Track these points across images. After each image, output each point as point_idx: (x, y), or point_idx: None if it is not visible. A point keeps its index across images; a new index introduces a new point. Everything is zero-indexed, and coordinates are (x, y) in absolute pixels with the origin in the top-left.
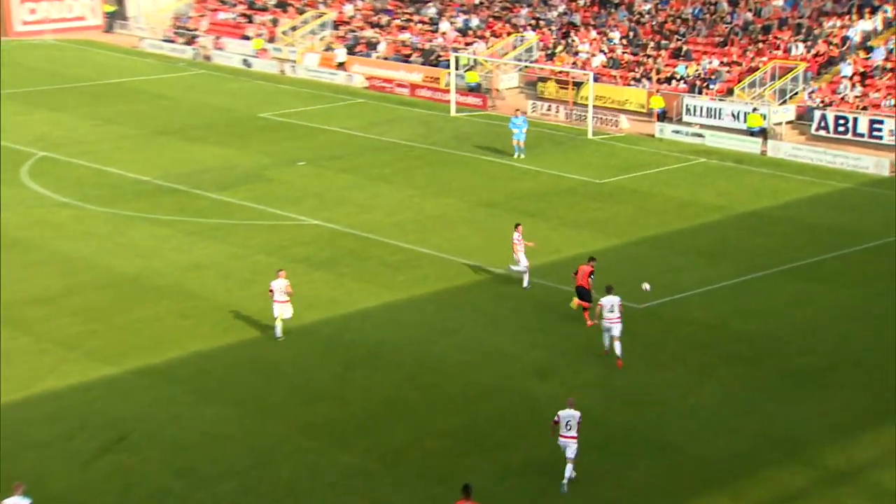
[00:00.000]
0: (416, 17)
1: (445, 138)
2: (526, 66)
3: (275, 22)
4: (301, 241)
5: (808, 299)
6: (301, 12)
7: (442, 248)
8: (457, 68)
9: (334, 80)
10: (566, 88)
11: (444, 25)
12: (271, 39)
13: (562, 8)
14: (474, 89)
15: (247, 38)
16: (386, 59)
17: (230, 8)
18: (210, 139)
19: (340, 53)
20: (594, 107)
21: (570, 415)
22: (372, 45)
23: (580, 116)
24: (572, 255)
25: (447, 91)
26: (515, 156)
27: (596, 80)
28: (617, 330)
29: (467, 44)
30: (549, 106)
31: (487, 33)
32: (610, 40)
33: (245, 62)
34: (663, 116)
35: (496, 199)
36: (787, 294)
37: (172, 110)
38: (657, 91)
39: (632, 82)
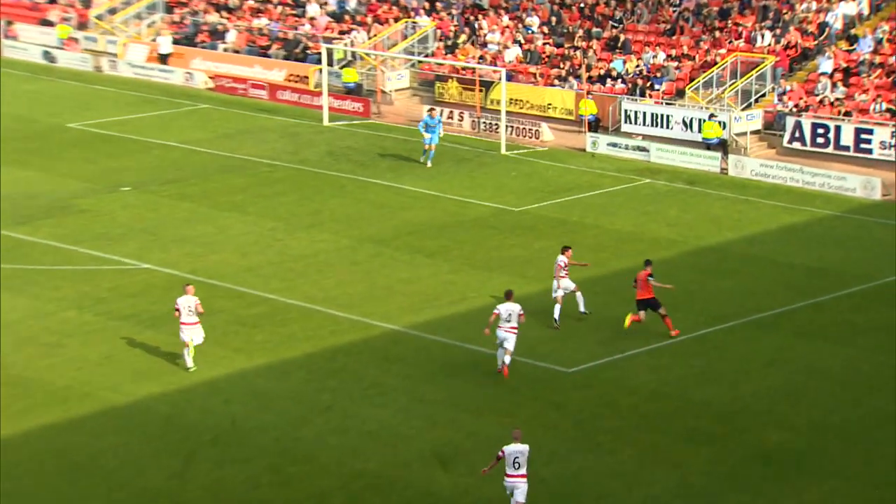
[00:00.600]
0: None
1: (317, 155)
2: (420, 62)
3: (86, 3)
4: (127, 292)
5: (783, 358)
6: None
7: (313, 299)
8: (330, 64)
9: (169, 79)
10: (472, 90)
11: (312, 9)
12: (82, 25)
13: None
14: (353, 91)
15: (49, 23)
16: (237, 52)
17: None
18: (0, 158)
19: (164, 42)
20: (508, 113)
21: (517, 450)
22: (218, 35)
23: (491, 126)
24: (482, 306)
25: (318, 93)
26: (422, 160)
27: (509, 78)
28: (511, 342)
29: (343, 32)
30: (451, 112)
31: (369, 19)
32: (527, 28)
33: (47, 55)
34: (596, 125)
35: (383, 233)
36: (757, 352)
37: None
38: (588, 93)
39: (556, 82)
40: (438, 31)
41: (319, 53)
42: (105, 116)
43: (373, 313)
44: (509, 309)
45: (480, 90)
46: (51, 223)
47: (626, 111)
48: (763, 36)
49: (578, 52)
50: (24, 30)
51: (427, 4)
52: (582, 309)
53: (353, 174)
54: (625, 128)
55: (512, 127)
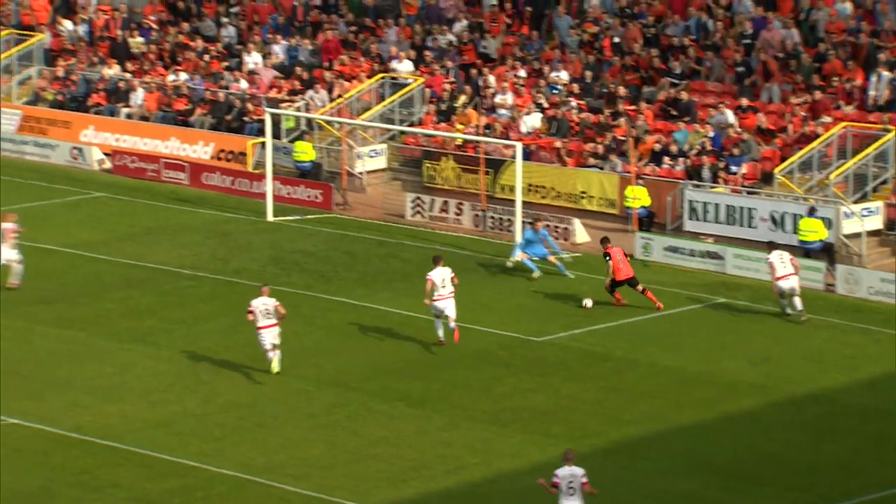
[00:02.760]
0: (197, 41)
1: (258, 262)
2: (402, 132)
3: None
4: None
5: None
6: None
7: (251, 467)
8: (276, 136)
9: (49, 157)
10: (474, 172)
11: (251, 59)
12: None
13: (464, 24)
14: (309, 173)
15: None
16: (146, 118)
17: None
18: None
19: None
20: (526, 205)
21: (570, 473)
22: (120, 95)
23: (500, 222)
24: (488, 475)
25: (259, 177)
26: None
27: (527, 156)
28: (451, 309)
29: (294, 92)
30: (445, 204)
31: (328, 74)
32: (551, 87)
33: None
34: (649, 222)
35: (350, 373)
36: None
37: None
38: (637, 177)
39: (591, 161)
40: (428, 91)
41: (261, 121)
42: None
43: (336, 487)
44: (442, 274)
45: (487, 172)
46: None
47: (690, 203)
48: (879, 87)
49: (623, 120)
50: None
51: (412, 53)
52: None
53: (308, 290)
54: (689, 225)
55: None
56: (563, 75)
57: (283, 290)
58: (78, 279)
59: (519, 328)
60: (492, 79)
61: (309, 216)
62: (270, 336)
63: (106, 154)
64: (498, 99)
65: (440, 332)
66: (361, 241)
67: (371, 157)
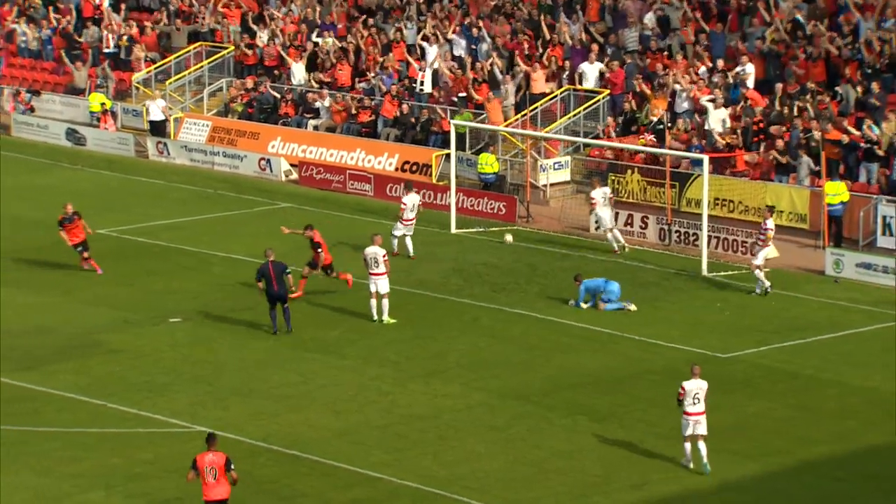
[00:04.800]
0: (379, 40)
1: (440, 274)
2: (587, 145)
3: (127, 63)
4: (172, 466)
5: None
6: (168, 51)
7: (432, 479)
8: (461, 147)
9: (238, 168)
10: (659, 185)
11: (431, 52)
12: (122, 94)
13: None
14: (493, 185)
15: (77, 91)
16: (332, 130)
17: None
18: (4, 279)
19: (154, 109)
20: (713, 219)
21: (697, 386)
22: (307, 106)
23: (686, 237)
24: (673, 493)
25: (443, 189)
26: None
27: (717, 168)
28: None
29: (467, 101)
30: (630, 217)
31: (512, 72)
32: (734, 85)
33: (73, 135)
34: (839, 237)
35: (532, 386)
36: None
37: None
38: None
39: (777, 169)
40: (609, 99)
41: (446, 133)
42: (148, 219)
43: (516, 501)
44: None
45: (672, 185)
46: (69, 368)
47: (884, 218)
48: None
49: (808, 111)
50: (45, 100)
51: (596, 48)
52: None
53: (490, 302)
54: (882, 242)
55: (717, 238)
56: (749, 68)
57: (465, 301)
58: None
59: (704, 344)
60: (677, 77)
61: (492, 228)
62: (376, 284)
63: (293, 165)
64: (682, 98)
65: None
66: (544, 253)
67: (555, 169)
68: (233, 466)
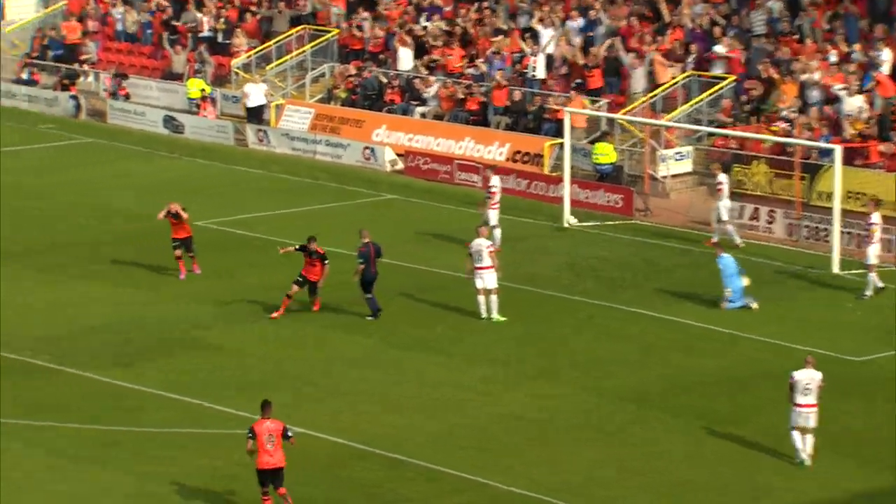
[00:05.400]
0: (490, 23)
1: (552, 269)
2: (711, 134)
3: (226, 48)
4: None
5: None
6: (269, 36)
7: (542, 485)
8: (575, 137)
9: (341, 157)
10: (788, 177)
11: (545, 35)
12: (221, 80)
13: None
14: (609, 177)
15: (175, 76)
16: (439, 117)
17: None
18: (97, 271)
19: (254, 93)
20: (846, 213)
21: (809, 376)
22: (413, 93)
23: (816, 231)
24: None
25: (556, 180)
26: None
27: (850, 159)
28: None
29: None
30: (756, 211)
31: (630, 56)
32: (866, 72)
33: (170, 123)
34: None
35: (648, 388)
36: None
37: (26, 216)
38: None
39: None
40: (735, 85)
41: (560, 122)
42: (247, 210)
43: None
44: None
45: (802, 178)
46: (164, 365)
47: None
48: None
49: None
50: (142, 86)
51: (719, 31)
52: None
53: (604, 300)
54: None
55: (849, 234)
56: (886, 54)
57: (578, 298)
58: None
59: (837, 346)
60: (807, 63)
61: (608, 222)
62: (482, 279)
63: (398, 154)
64: (812, 85)
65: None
66: (663, 248)
67: (676, 160)
68: (290, 434)
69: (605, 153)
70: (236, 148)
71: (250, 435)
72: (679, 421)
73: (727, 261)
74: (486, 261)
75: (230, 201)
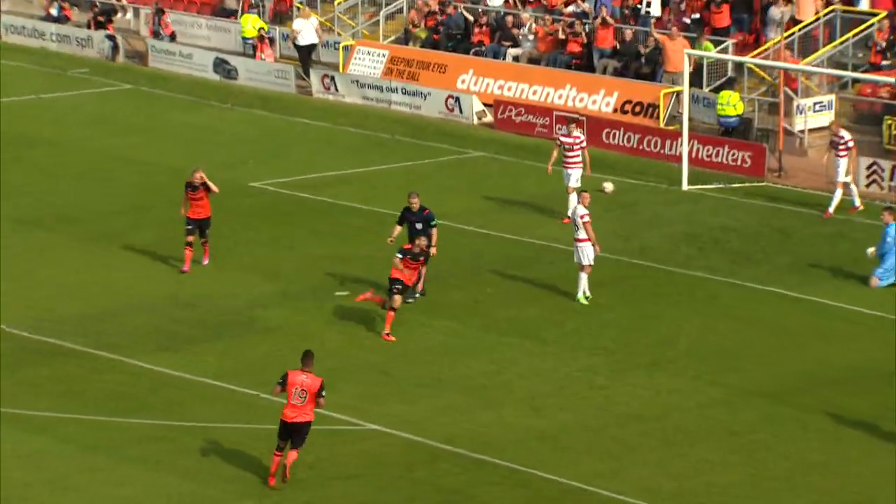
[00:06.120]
0: None
1: (667, 240)
2: (857, 81)
3: None
4: (342, 472)
5: None
6: None
7: (661, 494)
8: (697, 83)
9: (420, 108)
10: None
11: None
12: (281, 17)
13: None
14: (734, 131)
15: (228, 13)
16: (536, 62)
17: None
18: (138, 241)
19: (305, 29)
20: None
21: None
22: (505, 33)
23: None
24: None
25: (673, 135)
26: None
27: None
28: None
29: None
30: None
31: None
32: None
33: (222, 67)
34: None
35: (783, 381)
36: None
37: (63, 176)
38: None
39: None
40: (888, 23)
41: (677, 66)
42: (311, 170)
43: None
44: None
45: None
46: (215, 350)
47: None
48: None
49: None
50: (188, 24)
51: None
52: None
53: (731, 276)
54: None
55: None
56: None
57: (698, 275)
58: (450, 257)
59: None
60: None
61: (734, 185)
62: (579, 253)
63: (487, 105)
64: None
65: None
66: (799, 216)
67: (816, 111)
68: (324, 394)
69: (732, 103)
70: (299, 97)
71: (281, 382)
72: (818, 420)
73: (894, 230)
74: (582, 232)
75: (291, 159)
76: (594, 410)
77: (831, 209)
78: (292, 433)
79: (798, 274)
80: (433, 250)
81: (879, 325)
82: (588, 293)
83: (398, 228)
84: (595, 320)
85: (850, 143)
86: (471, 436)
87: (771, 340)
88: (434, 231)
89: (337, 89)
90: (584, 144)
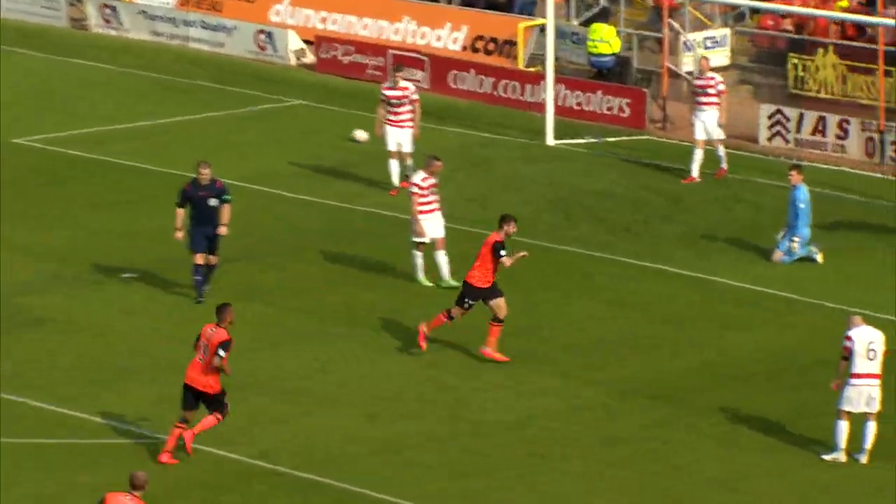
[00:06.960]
0: None
1: (531, 208)
2: (756, 11)
3: None
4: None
5: None
6: None
7: None
8: (564, 14)
9: (223, 44)
10: (868, 73)
11: None
12: None
13: None
14: (609, 73)
15: None
16: None
17: None
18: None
19: None
20: None
21: (871, 336)
22: None
23: None
24: None
25: (535, 78)
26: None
27: None
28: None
29: None
30: (819, 120)
31: None
32: None
33: None
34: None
35: (666, 378)
36: None
37: None
38: None
39: None
40: None
41: None
42: (89, 123)
43: None
44: None
45: (887, 73)
46: None
47: None
48: None
49: None
50: None
51: None
52: None
53: (605, 250)
54: None
55: None
56: None
57: (567, 248)
58: (263, 228)
59: None
60: None
61: (610, 138)
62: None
63: (307, 42)
64: None
65: None
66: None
67: (707, 48)
68: (222, 353)
69: (606, 39)
70: (73, 32)
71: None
72: (714, 424)
73: (804, 194)
74: (433, 203)
75: (62, 110)
76: (444, 417)
77: (724, 165)
78: (196, 401)
79: (688, 247)
80: (223, 229)
81: (787, 309)
82: (445, 278)
83: (181, 213)
84: (442, 306)
85: (721, 87)
86: (291, 450)
87: (656, 328)
88: (227, 208)
89: (120, 22)
90: (414, 97)
